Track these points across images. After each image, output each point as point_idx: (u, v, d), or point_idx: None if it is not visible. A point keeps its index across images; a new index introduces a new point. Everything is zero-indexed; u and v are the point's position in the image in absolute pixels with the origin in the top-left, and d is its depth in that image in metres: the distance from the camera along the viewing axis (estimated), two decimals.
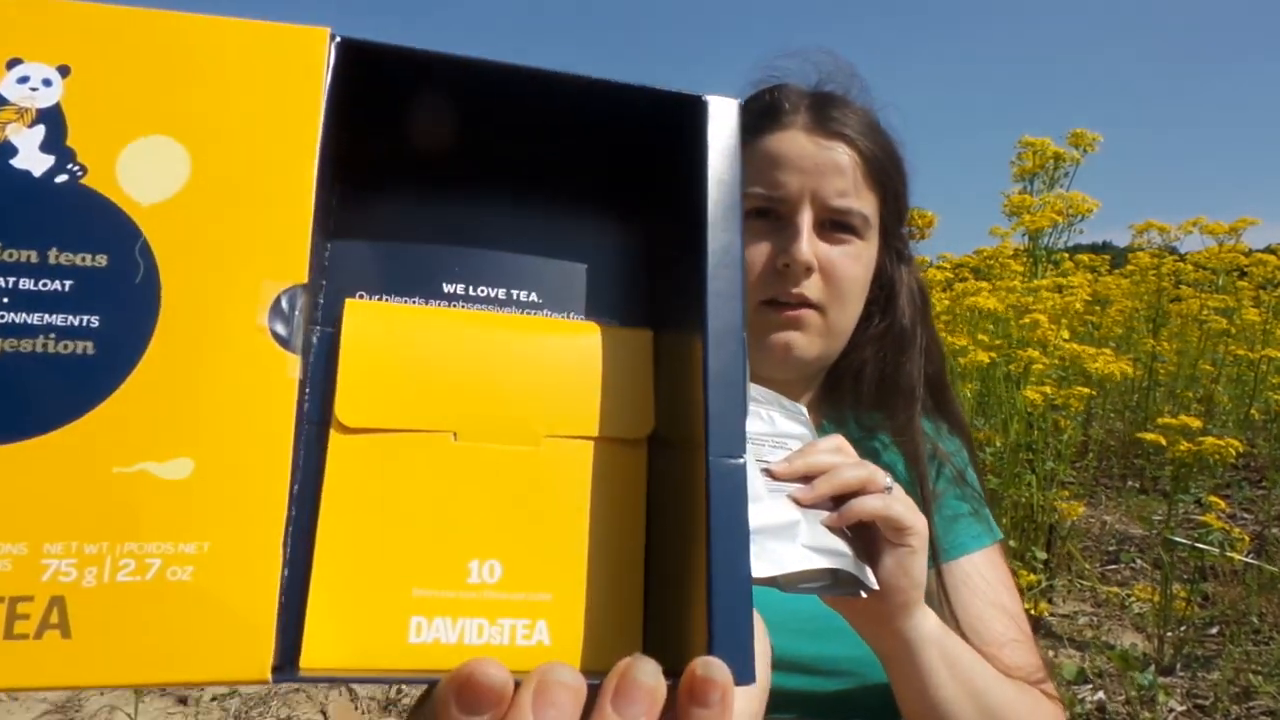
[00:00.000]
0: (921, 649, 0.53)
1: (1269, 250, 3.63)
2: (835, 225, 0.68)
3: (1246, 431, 3.35)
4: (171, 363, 0.22)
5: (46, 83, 0.22)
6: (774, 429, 0.51)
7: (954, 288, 2.87)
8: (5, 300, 0.21)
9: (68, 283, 0.21)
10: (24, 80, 0.22)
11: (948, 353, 2.79)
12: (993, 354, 2.32)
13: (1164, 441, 1.90)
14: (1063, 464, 2.30)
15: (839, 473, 0.47)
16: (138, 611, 0.22)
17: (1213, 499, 2.02)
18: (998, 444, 2.37)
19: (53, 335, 0.21)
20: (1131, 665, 1.75)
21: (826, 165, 0.67)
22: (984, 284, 2.63)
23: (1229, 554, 1.92)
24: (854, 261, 0.68)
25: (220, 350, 0.22)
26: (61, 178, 0.22)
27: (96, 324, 0.21)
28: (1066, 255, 3.20)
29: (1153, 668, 1.82)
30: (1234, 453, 1.80)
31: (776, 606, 0.65)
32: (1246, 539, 1.97)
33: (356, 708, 1.97)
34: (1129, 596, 2.25)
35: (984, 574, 0.68)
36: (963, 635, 0.65)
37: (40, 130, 0.22)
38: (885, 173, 0.70)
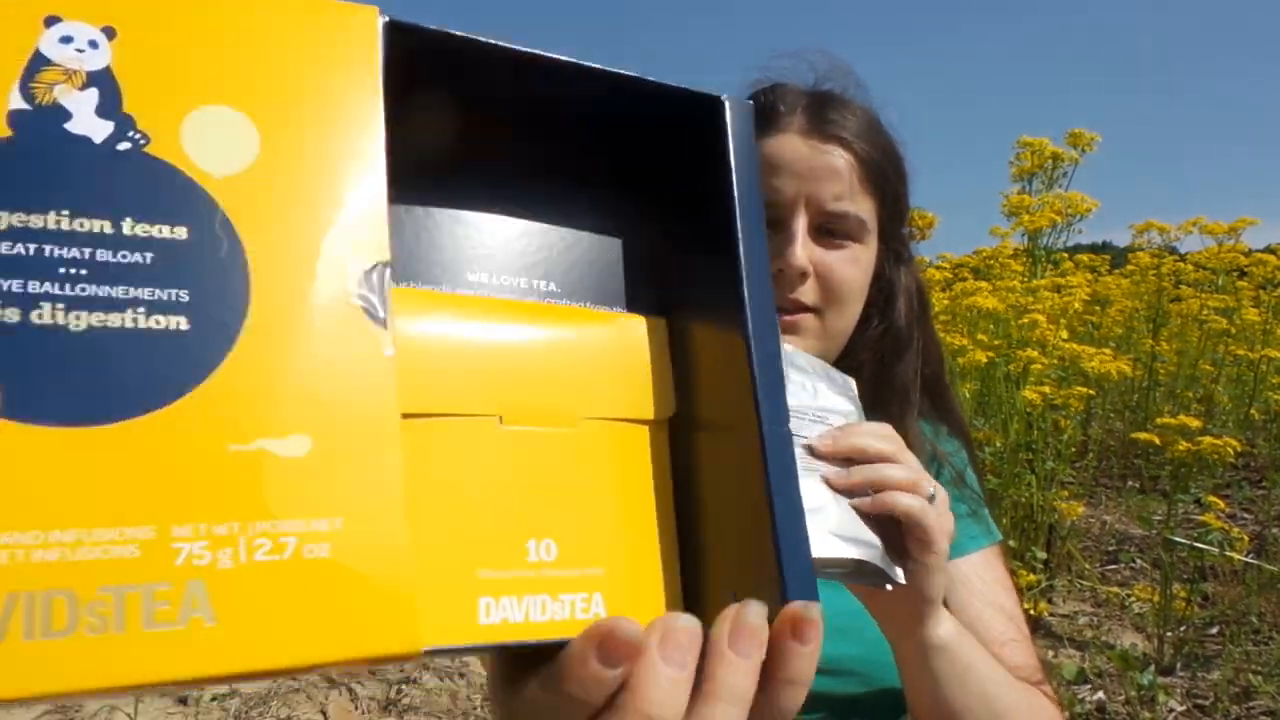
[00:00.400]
0: (934, 655, 0.52)
1: (1269, 250, 3.63)
2: (831, 230, 0.67)
3: (1246, 431, 3.35)
4: (271, 338, 0.21)
5: (93, 44, 0.20)
6: (816, 402, 0.49)
7: (954, 288, 2.87)
8: (84, 272, 0.20)
9: (149, 255, 0.20)
10: (67, 40, 0.20)
11: (948, 353, 2.79)
12: (992, 354, 2.32)
13: (1163, 442, 1.90)
14: (1062, 464, 2.30)
15: (881, 470, 0.46)
16: (282, 591, 0.20)
17: (1212, 499, 2.03)
18: (997, 444, 2.37)
19: (141, 310, 0.20)
20: (1131, 665, 1.75)
21: (822, 169, 0.66)
22: (984, 284, 2.63)
23: (1229, 554, 1.92)
24: (851, 265, 0.68)
25: (318, 326, 0.22)
26: (124, 145, 0.21)
27: (187, 298, 0.21)
28: (1066, 255, 3.21)
29: (1152, 668, 1.82)
30: (1233, 452, 1.81)
31: None
32: (1246, 539, 1.97)
33: (356, 708, 1.97)
34: (1129, 596, 2.25)
35: (982, 575, 0.68)
36: None
37: (94, 94, 0.20)
38: (883, 175, 0.69)
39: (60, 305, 0.19)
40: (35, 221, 0.19)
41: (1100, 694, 1.82)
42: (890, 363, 0.73)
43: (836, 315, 0.69)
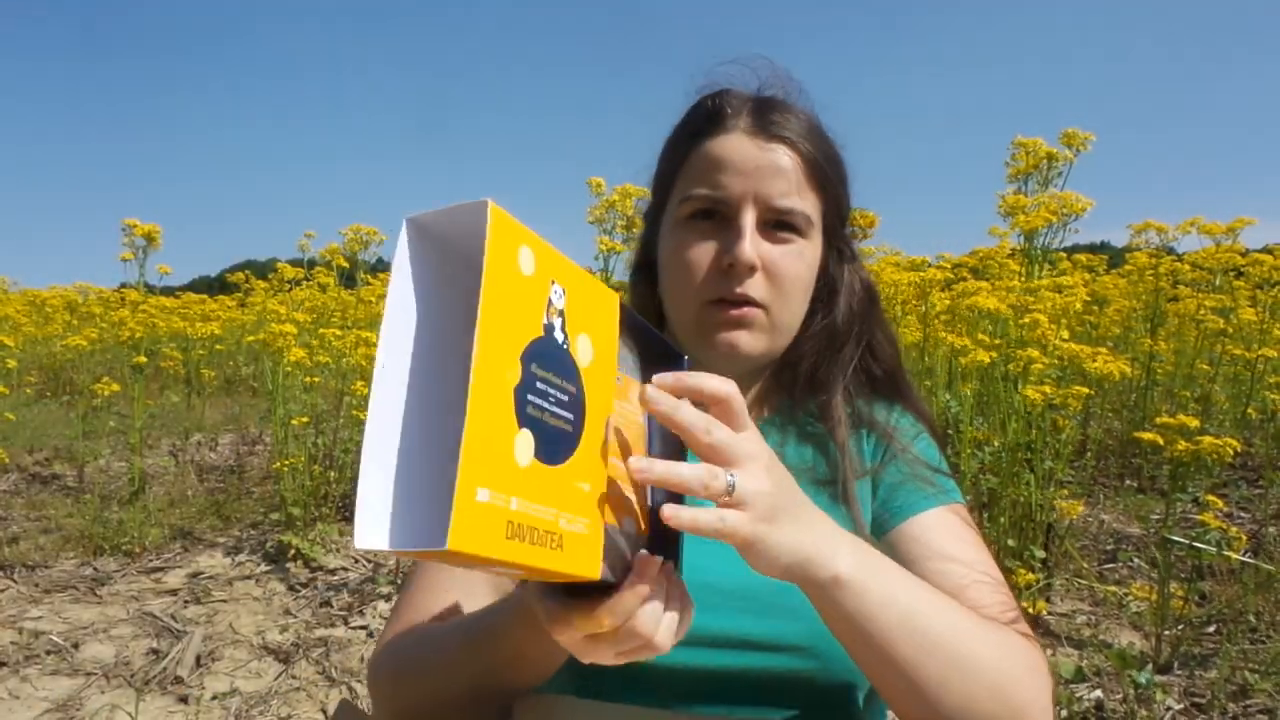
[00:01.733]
0: (837, 593, 0.50)
1: (1266, 250, 3.64)
2: (778, 225, 0.70)
3: (1243, 431, 3.36)
4: (590, 437, 0.45)
5: (560, 296, 0.44)
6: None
7: (954, 288, 2.88)
8: (552, 397, 0.43)
9: (567, 395, 0.44)
10: (558, 294, 0.44)
11: (948, 353, 2.80)
12: (992, 354, 2.33)
13: (1162, 441, 1.91)
14: (1061, 463, 2.30)
15: (677, 470, 0.44)
16: (577, 544, 0.43)
17: (1210, 498, 2.03)
18: (996, 443, 2.38)
19: (559, 418, 0.43)
20: (1129, 664, 1.76)
21: (768, 167, 0.69)
22: (984, 284, 2.64)
23: (1226, 553, 1.93)
24: (796, 259, 0.71)
25: (602, 434, 0.47)
26: (565, 344, 0.44)
27: (570, 417, 0.44)
28: (1064, 255, 3.21)
29: (1150, 666, 1.83)
30: (1232, 452, 1.81)
31: (729, 582, 0.66)
32: (1244, 538, 1.98)
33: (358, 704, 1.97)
34: (1127, 595, 2.26)
35: (935, 531, 0.68)
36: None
37: (560, 320, 0.44)
38: (826, 175, 0.72)
39: (550, 413, 0.42)
40: (551, 375, 0.43)
41: (1098, 692, 1.82)
42: (827, 357, 0.76)
43: (782, 308, 0.71)
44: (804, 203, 0.70)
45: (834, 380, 0.76)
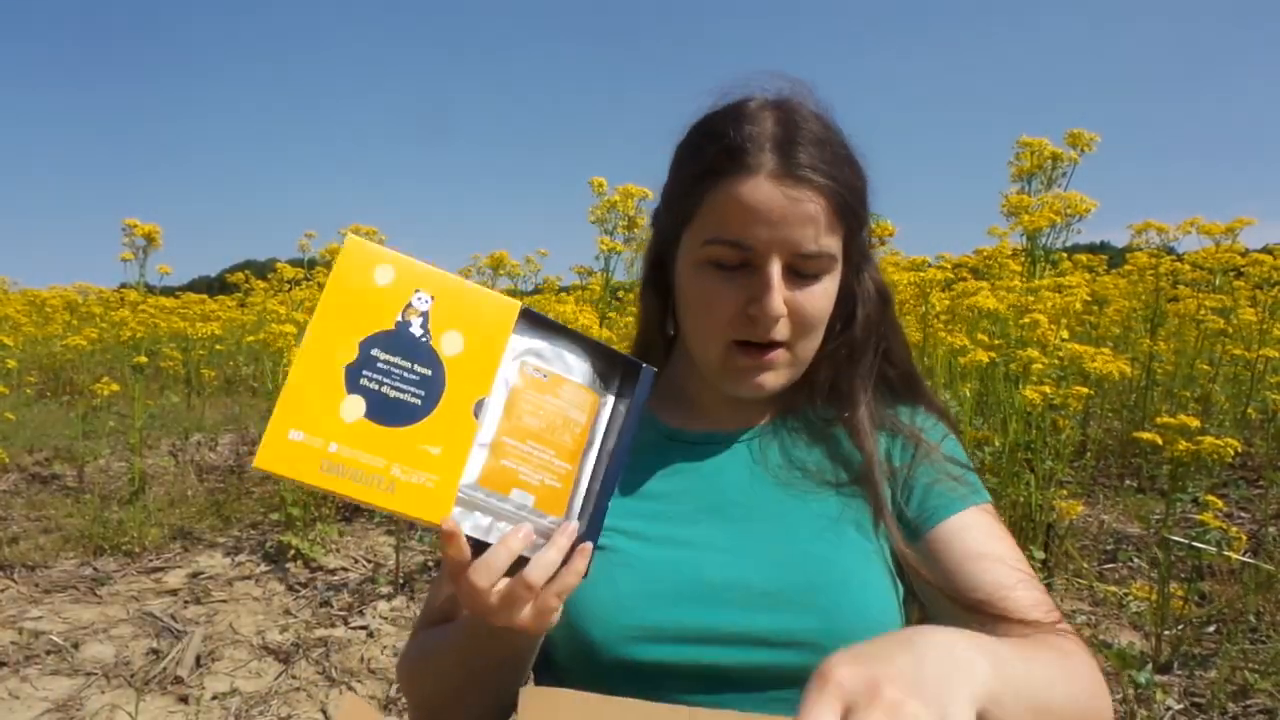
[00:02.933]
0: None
1: (1265, 250, 3.64)
2: (804, 270, 0.68)
3: (1243, 431, 3.36)
4: (449, 412, 0.55)
5: (425, 301, 0.55)
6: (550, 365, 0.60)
7: (954, 288, 2.88)
8: (395, 375, 0.54)
9: (417, 376, 0.54)
10: (422, 299, 0.55)
11: (947, 352, 2.80)
12: (993, 354, 2.33)
13: (1162, 441, 1.91)
14: (1061, 463, 2.30)
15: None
16: (414, 493, 0.54)
17: (1210, 498, 2.03)
18: (996, 443, 2.38)
19: (402, 391, 0.54)
20: (1129, 664, 1.76)
21: (795, 217, 0.66)
22: (984, 284, 2.64)
23: (1226, 553, 1.93)
24: (821, 297, 0.69)
25: (468, 411, 0.56)
26: (423, 338, 0.55)
27: (422, 394, 0.54)
28: (1064, 255, 3.21)
29: (1150, 666, 1.83)
30: (1232, 452, 1.81)
31: (736, 578, 0.66)
32: (1243, 538, 1.98)
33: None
34: (1126, 595, 2.26)
35: (972, 530, 0.68)
36: (961, 594, 0.65)
37: (421, 319, 0.55)
38: (851, 208, 0.69)
39: (389, 386, 0.54)
40: (396, 359, 0.54)
41: None
42: (847, 369, 0.76)
43: (807, 343, 0.71)
44: (831, 242, 0.68)
45: (857, 392, 0.75)
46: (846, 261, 0.73)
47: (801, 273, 0.68)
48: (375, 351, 0.53)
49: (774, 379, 0.71)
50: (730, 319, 0.68)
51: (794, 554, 0.68)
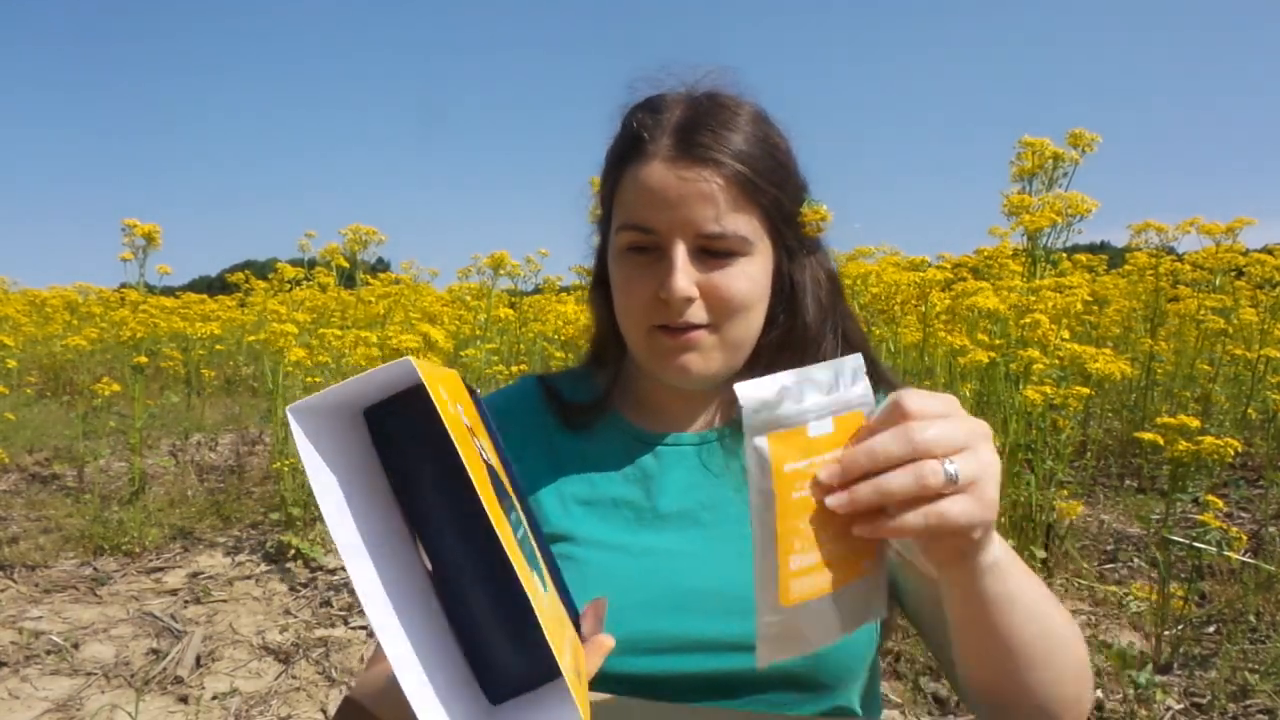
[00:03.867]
0: (985, 575, 0.49)
1: (1266, 250, 3.65)
2: (713, 250, 0.68)
3: (1244, 431, 3.36)
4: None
5: (459, 409, 0.41)
6: (830, 397, 0.46)
7: (954, 288, 2.88)
8: (514, 516, 0.42)
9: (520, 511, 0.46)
10: (459, 410, 0.40)
11: (947, 352, 2.80)
12: (993, 354, 2.33)
13: (1162, 441, 1.91)
14: (1061, 463, 2.30)
15: (882, 486, 0.43)
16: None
17: (1210, 498, 2.03)
18: (996, 443, 2.37)
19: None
20: (1129, 664, 1.76)
21: (692, 196, 0.66)
22: (984, 284, 2.64)
23: (1226, 553, 1.93)
24: (739, 279, 0.68)
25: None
26: (485, 454, 0.42)
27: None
28: (1065, 255, 3.21)
29: (1150, 666, 1.83)
30: (1232, 452, 1.81)
31: (709, 585, 0.66)
32: (1244, 538, 1.98)
33: None
34: (1127, 595, 2.26)
35: None
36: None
37: (472, 436, 0.41)
38: (759, 187, 0.68)
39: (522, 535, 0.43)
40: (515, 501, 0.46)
41: (1098, 692, 1.82)
42: (797, 357, 0.74)
43: (733, 326, 0.70)
44: (737, 222, 0.67)
45: None
46: (777, 245, 0.72)
47: (713, 252, 0.68)
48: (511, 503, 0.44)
49: (700, 362, 0.70)
50: (646, 304, 0.69)
51: None
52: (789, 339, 0.75)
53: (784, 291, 0.74)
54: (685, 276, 0.67)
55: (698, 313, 0.68)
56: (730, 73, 0.74)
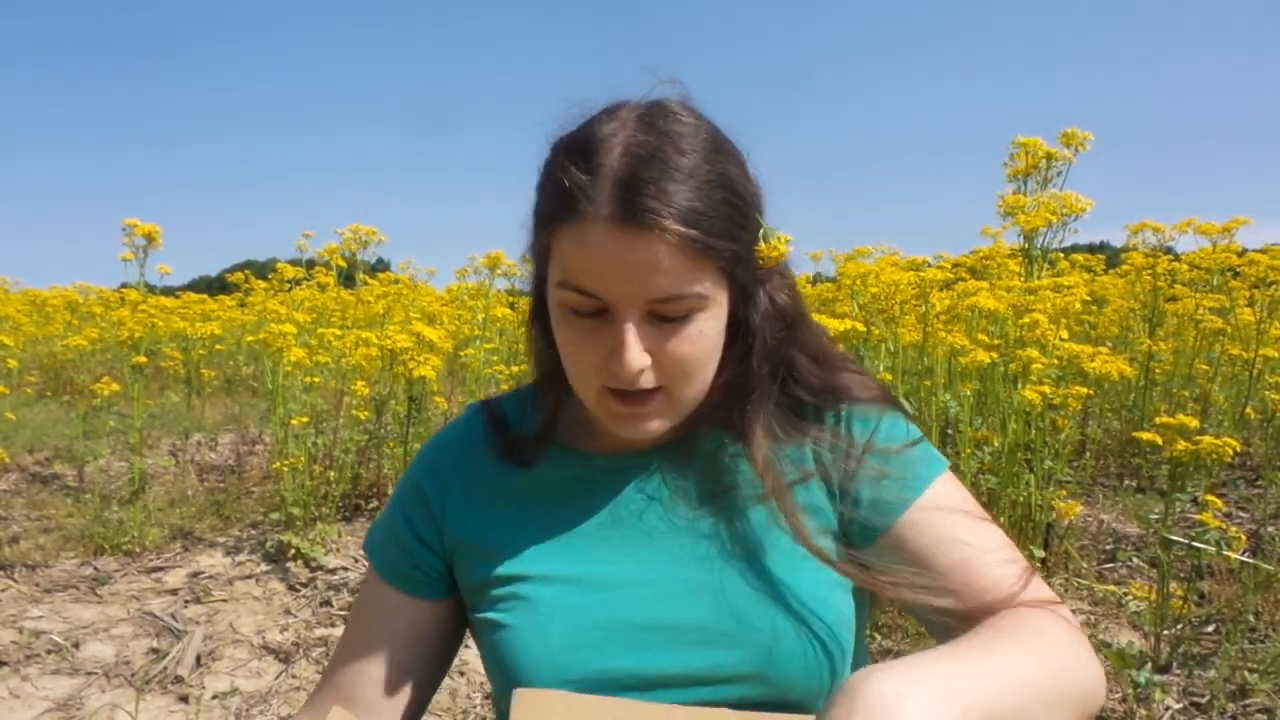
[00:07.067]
0: None
1: (1262, 250, 3.65)
2: (668, 314, 0.62)
3: (1242, 430, 3.36)
4: None
5: None
6: None
7: (954, 288, 2.88)
8: None
9: None
10: None
11: (947, 352, 2.80)
12: (992, 354, 2.33)
13: (1161, 441, 1.91)
14: (1060, 463, 2.31)
15: None
16: None
17: (1209, 498, 2.03)
18: (996, 443, 2.38)
19: None
20: (1128, 663, 1.76)
21: (643, 266, 0.59)
22: (983, 284, 2.64)
23: (1225, 552, 1.93)
24: (694, 341, 0.63)
25: None
26: None
27: None
28: (1062, 255, 3.21)
29: (1149, 666, 1.83)
30: (1231, 452, 1.81)
31: (659, 619, 0.64)
32: (1243, 537, 1.98)
33: None
34: (1126, 595, 2.26)
35: (931, 514, 0.66)
36: (940, 581, 0.64)
37: None
38: (713, 242, 0.61)
39: None
40: None
41: None
42: (740, 402, 0.70)
43: (685, 386, 0.65)
44: (693, 282, 0.61)
45: (752, 425, 0.69)
46: (732, 288, 0.66)
47: (666, 316, 0.62)
48: None
49: (657, 424, 0.66)
50: (596, 368, 0.63)
51: (718, 583, 0.65)
52: (736, 381, 0.70)
53: (738, 335, 0.69)
54: (637, 350, 0.61)
55: (649, 379, 0.63)
56: (678, 87, 0.68)
